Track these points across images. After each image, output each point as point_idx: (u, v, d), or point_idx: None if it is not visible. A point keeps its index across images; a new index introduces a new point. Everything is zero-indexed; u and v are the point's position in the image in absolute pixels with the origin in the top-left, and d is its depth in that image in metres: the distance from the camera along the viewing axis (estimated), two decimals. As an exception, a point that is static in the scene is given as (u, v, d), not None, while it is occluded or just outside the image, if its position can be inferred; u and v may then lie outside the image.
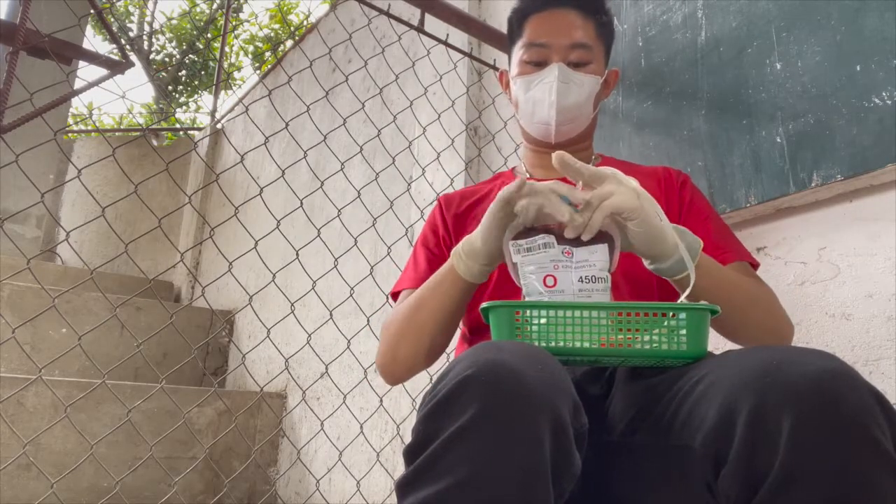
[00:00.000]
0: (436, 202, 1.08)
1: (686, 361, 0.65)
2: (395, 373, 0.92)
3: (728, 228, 0.99)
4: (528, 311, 0.66)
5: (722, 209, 1.19)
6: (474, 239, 0.80)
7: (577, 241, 0.72)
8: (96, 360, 1.99)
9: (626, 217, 0.70)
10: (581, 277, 0.70)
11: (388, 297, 1.11)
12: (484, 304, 0.68)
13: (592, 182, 0.72)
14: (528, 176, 1.06)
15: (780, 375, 0.52)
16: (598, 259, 0.71)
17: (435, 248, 1.02)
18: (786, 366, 0.52)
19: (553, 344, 0.64)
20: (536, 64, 0.99)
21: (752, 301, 0.83)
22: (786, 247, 1.15)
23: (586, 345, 0.64)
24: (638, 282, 0.90)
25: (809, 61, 1.11)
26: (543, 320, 0.65)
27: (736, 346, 0.85)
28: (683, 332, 0.64)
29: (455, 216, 1.04)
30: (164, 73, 8.42)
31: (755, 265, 0.92)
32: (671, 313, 0.65)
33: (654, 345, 0.64)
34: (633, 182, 0.72)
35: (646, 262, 0.77)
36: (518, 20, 1.02)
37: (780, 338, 0.84)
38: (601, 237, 0.72)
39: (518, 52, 1.02)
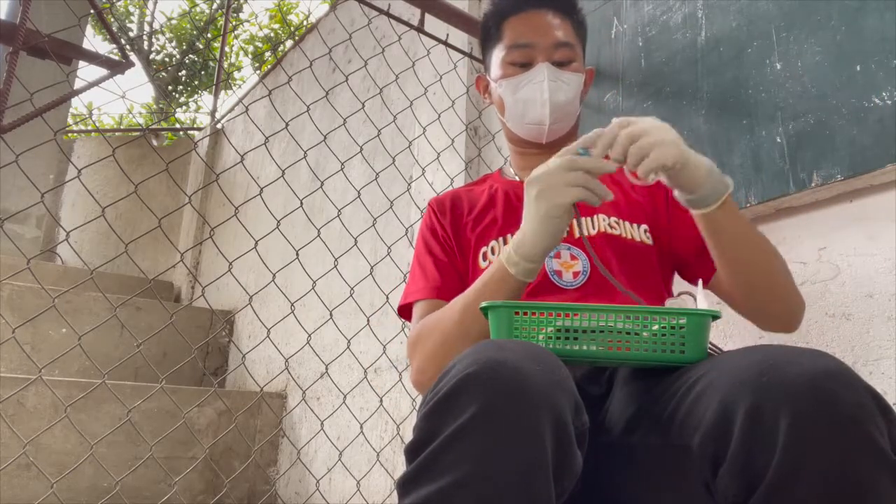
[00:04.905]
0: (427, 208, 1.07)
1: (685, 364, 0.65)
2: None
3: None
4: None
5: (722, 209, 1.20)
6: (525, 241, 0.77)
7: None
8: (96, 360, 1.99)
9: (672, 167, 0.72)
10: None
11: (392, 309, 1.10)
12: (483, 304, 0.68)
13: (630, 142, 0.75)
14: (517, 179, 1.06)
15: (777, 375, 0.52)
16: None
17: (441, 254, 1.00)
18: (783, 365, 0.52)
19: (552, 345, 0.64)
20: (522, 65, 0.97)
21: (775, 253, 0.84)
22: (786, 247, 1.15)
23: (584, 347, 0.64)
24: (645, 285, 0.90)
25: (809, 61, 1.11)
26: (541, 322, 0.65)
27: (733, 346, 0.85)
28: (683, 336, 0.63)
29: (450, 221, 1.03)
30: (164, 73, 8.43)
31: None
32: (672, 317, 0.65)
33: (653, 349, 0.64)
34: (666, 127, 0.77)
35: (681, 196, 0.78)
36: (495, 23, 1.01)
37: (795, 304, 0.86)
38: None
39: (499, 54, 1.00)
